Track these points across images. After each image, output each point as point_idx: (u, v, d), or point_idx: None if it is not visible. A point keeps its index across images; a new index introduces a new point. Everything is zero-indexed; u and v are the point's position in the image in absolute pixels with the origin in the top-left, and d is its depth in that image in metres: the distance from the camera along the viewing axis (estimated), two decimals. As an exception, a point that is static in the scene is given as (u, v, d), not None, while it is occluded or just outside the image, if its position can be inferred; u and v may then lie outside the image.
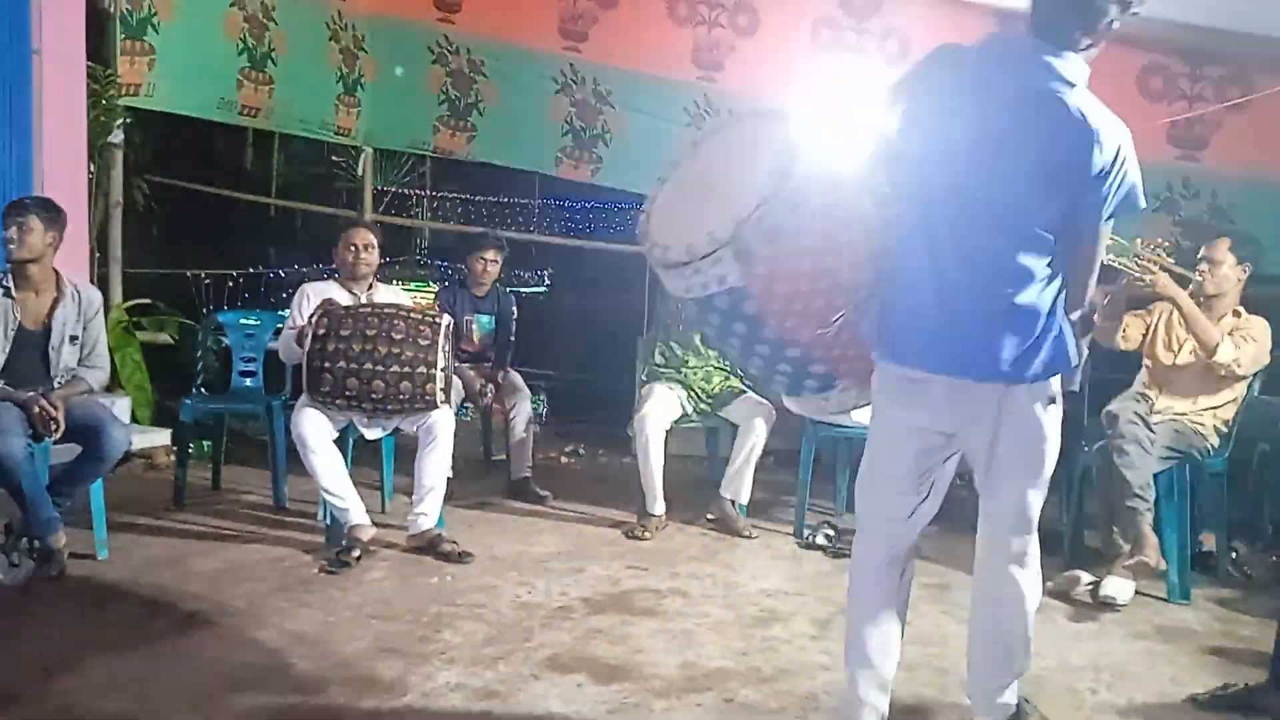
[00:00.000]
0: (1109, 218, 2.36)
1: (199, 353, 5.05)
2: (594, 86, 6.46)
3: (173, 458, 5.02)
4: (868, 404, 2.59)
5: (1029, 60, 2.28)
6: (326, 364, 3.94)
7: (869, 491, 2.58)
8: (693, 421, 4.66)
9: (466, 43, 6.67)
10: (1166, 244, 4.01)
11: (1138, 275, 3.86)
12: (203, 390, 4.94)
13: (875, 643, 2.56)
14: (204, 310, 6.38)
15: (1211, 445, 3.91)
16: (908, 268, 2.38)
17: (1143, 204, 2.39)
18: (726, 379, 4.65)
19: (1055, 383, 2.40)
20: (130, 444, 3.97)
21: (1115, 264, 3.94)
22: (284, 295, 4.63)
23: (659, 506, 4.46)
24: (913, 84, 2.42)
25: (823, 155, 2.37)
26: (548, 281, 9.88)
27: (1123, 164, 2.28)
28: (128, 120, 5.49)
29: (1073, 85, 2.28)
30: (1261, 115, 5.21)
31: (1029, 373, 2.33)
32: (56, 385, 3.83)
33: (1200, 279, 3.95)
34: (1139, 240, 3.94)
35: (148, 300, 6.00)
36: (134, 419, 5.01)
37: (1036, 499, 2.48)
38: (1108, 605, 3.60)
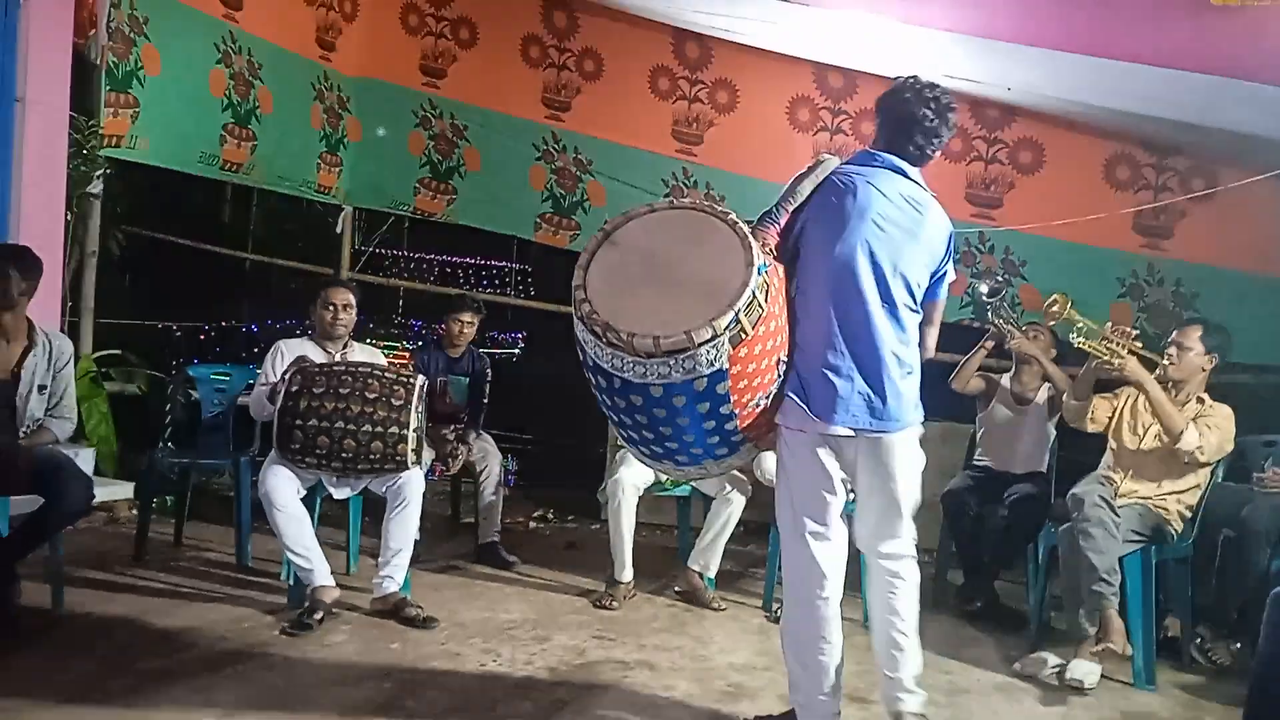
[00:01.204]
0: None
1: (167, 406, 5.00)
2: (575, 155, 6.57)
3: (135, 512, 4.94)
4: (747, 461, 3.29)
5: (898, 170, 2.90)
6: (298, 421, 3.90)
7: (798, 533, 2.94)
8: (665, 490, 4.65)
9: (450, 107, 6.78)
10: (1135, 331, 4.09)
11: (1107, 359, 3.93)
12: (169, 444, 4.88)
13: (829, 662, 2.98)
14: (174, 363, 6.33)
15: (1176, 530, 3.96)
16: (827, 340, 2.82)
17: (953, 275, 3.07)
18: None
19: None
20: (94, 497, 3.91)
21: (1085, 347, 4.01)
22: (256, 350, 4.62)
23: (627, 574, 4.43)
24: (808, 186, 2.92)
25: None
26: (522, 345, 9.92)
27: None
28: (108, 171, 5.49)
29: (927, 190, 2.93)
30: (1224, 207, 5.36)
31: (916, 417, 2.95)
32: (23, 435, 3.77)
33: (1167, 364, 4.02)
34: (1109, 325, 4.02)
35: (118, 351, 5.95)
36: (97, 471, 4.93)
37: (911, 508, 3.01)
38: (1074, 688, 3.60)
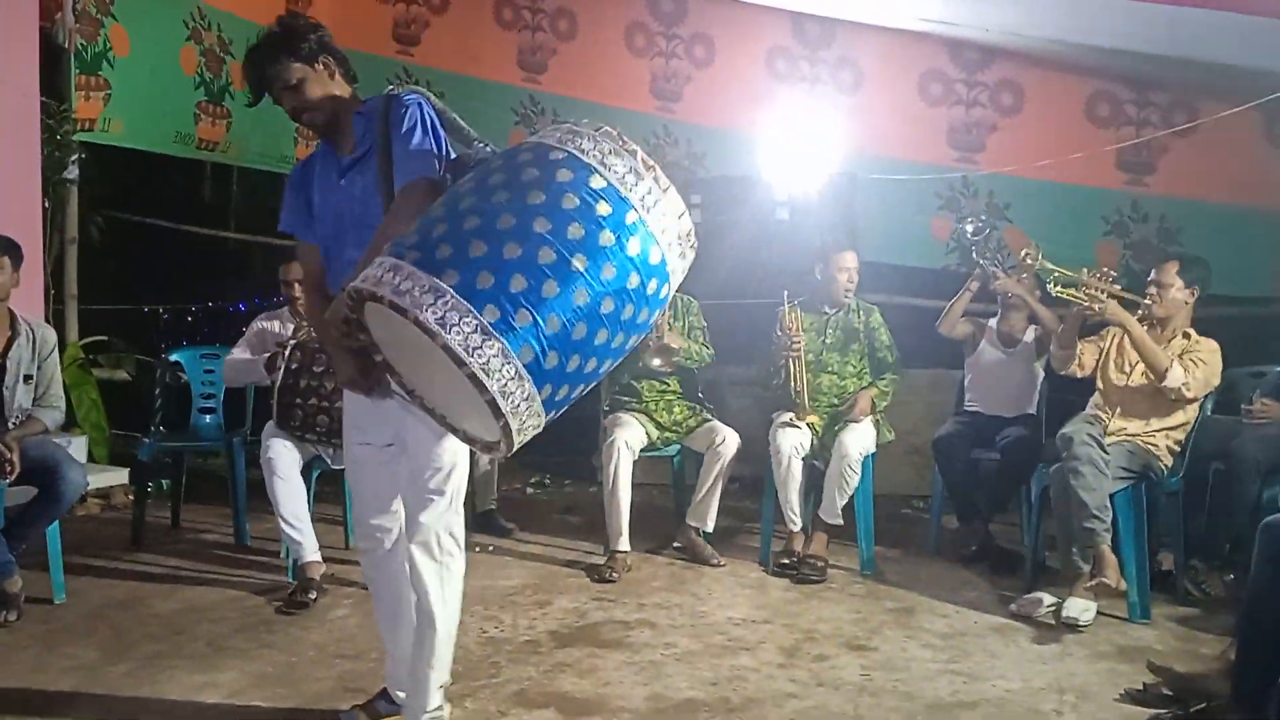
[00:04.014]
0: None
1: (157, 390, 4.99)
2: (553, 117, 6.51)
3: (131, 497, 4.96)
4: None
5: None
6: (298, 400, 3.90)
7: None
8: (658, 450, 4.66)
9: (426, 75, 6.70)
10: (1113, 272, 4.08)
11: (1088, 305, 3.93)
12: (161, 428, 4.88)
13: None
14: (162, 346, 6.32)
15: (1166, 465, 3.97)
16: None
17: None
18: (690, 408, 4.67)
19: None
20: (87, 484, 3.91)
21: (1064, 295, 4.01)
22: (243, 330, 4.62)
23: (624, 543, 4.40)
24: None
25: None
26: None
27: None
28: (83, 156, 5.44)
29: None
30: (1207, 140, 5.34)
31: None
32: (11, 426, 3.77)
33: (1149, 302, 4.02)
34: (1086, 270, 4.01)
35: (104, 337, 5.93)
36: (91, 458, 4.93)
37: None
38: (1070, 626, 3.63)
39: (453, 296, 1.87)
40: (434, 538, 2.53)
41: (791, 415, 4.46)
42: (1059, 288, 4.04)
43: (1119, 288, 4.01)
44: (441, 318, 1.85)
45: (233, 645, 3.40)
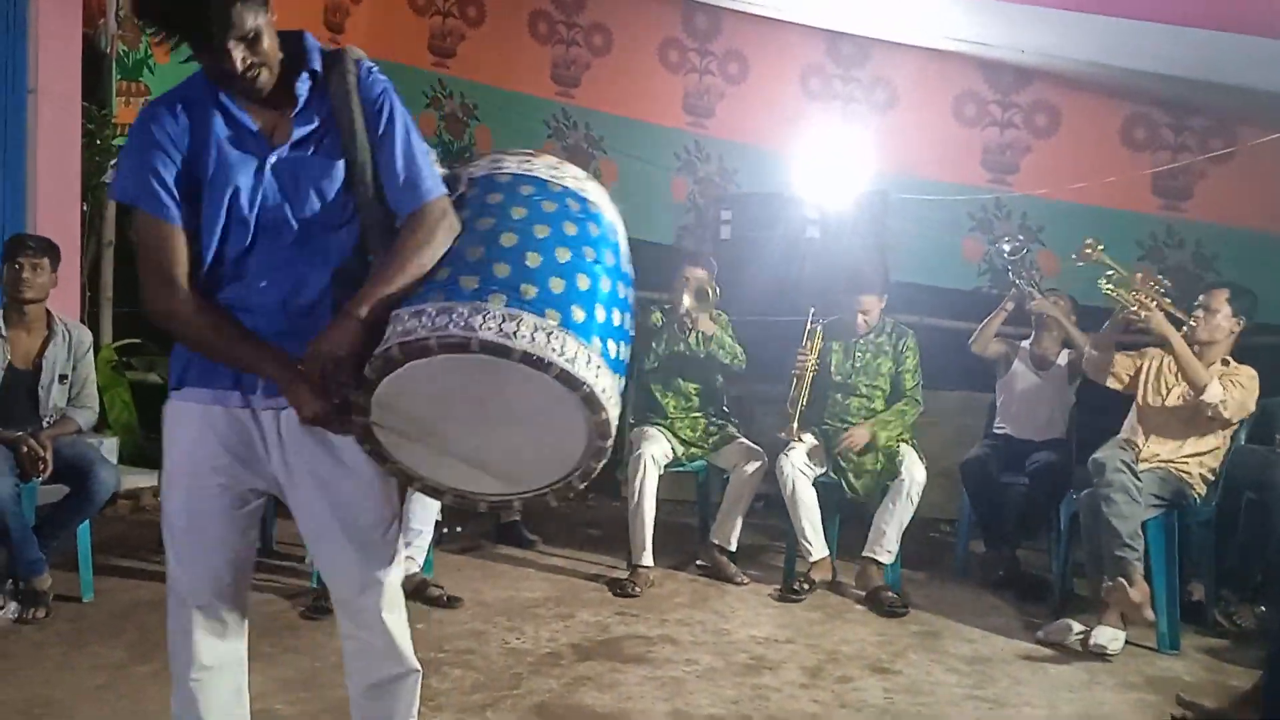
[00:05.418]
0: None
1: (188, 393, 5.02)
2: (585, 131, 6.55)
3: (159, 499, 4.99)
4: None
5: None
6: None
7: None
8: (683, 465, 4.65)
9: (460, 87, 6.77)
10: (1168, 283, 4.02)
11: (1134, 310, 3.88)
12: (191, 431, 4.91)
13: None
14: (193, 350, 6.39)
15: (1198, 494, 3.93)
16: None
17: None
18: (716, 424, 4.65)
19: None
20: (118, 485, 3.95)
21: (1113, 294, 3.96)
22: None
23: (648, 557, 4.37)
24: None
25: None
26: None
27: None
28: (122, 160, 5.52)
29: None
30: (1244, 166, 5.29)
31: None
32: (45, 425, 3.82)
33: (1194, 325, 3.97)
34: (1139, 275, 3.96)
35: (138, 340, 5.99)
36: (121, 459, 4.97)
37: None
38: (1098, 655, 3.59)
39: (600, 361, 1.82)
40: (397, 593, 2.17)
41: (788, 433, 4.43)
42: (1110, 287, 3.98)
43: (1168, 301, 3.97)
44: (598, 381, 1.80)
45: (256, 649, 3.36)
